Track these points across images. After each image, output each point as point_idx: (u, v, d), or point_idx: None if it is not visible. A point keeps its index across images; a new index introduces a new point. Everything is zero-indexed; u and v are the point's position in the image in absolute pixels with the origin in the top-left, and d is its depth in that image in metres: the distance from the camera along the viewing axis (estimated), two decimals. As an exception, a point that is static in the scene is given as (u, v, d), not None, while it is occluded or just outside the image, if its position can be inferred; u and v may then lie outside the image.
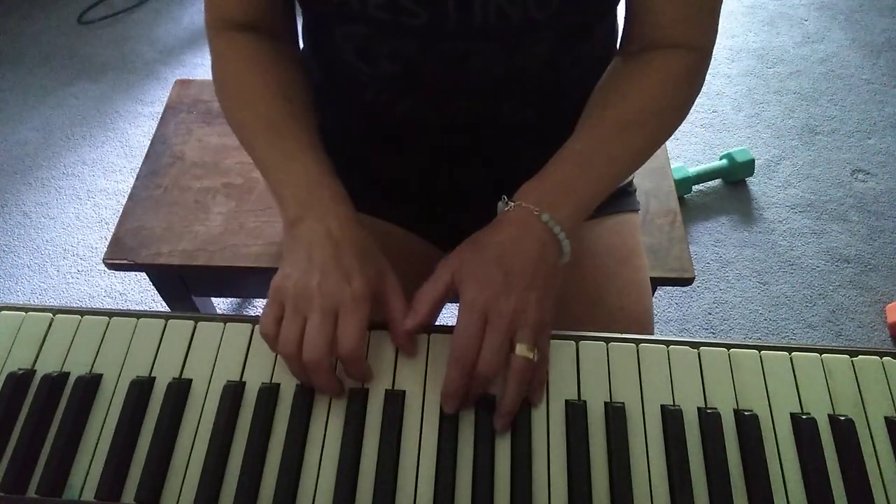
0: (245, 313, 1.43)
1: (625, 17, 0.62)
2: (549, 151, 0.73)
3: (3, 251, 1.53)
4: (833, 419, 0.51)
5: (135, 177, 1.02)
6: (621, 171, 0.58)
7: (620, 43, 0.63)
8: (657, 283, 0.94)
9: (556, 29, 0.56)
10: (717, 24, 0.59)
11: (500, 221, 0.54)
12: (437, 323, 0.54)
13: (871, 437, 0.50)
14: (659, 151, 0.94)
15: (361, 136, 0.71)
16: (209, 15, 0.62)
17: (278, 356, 0.53)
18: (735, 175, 1.66)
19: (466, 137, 0.66)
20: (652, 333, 0.71)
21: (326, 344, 0.48)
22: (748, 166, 1.65)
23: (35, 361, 0.54)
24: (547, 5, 0.53)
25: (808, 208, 1.64)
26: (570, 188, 0.54)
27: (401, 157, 0.71)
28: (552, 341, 0.54)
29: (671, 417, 0.50)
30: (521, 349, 0.48)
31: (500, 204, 0.55)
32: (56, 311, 0.56)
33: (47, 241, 1.55)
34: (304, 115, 0.59)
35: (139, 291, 1.47)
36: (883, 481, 0.48)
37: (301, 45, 0.69)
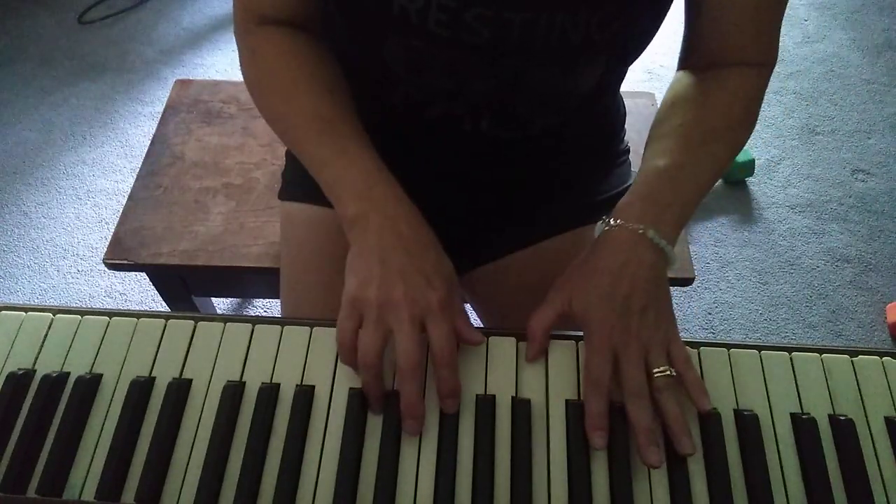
0: (245, 313, 1.43)
1: (688, 35, 0.62)
2: (561, 161, 0.72)
3: (3, 251, 1.53)
4: (833, 419, 0.51)
5: (135, 177, 1.02)
6: (706, 184, 0.58)
7: (683, 58, 0.64)
8: (657, 283, 0.94)
9: (612, 50, 0.56)
10: (779, 42, 0.60)
11: (605, 243, 0.53)
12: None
13: (871, 437, 0.50)
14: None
15: (373, 136, 0.70)
16: (241, 11, 0.60)
17: (279, 354, 0.53)
18: (735, 175, 1.66)
19: (487, 145, 0.66)
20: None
21: (422, 352, 0.48)
22: (748, 166, 1.65)
23: (35, 361, 0.54)
24: (607, 27, 0.52)
25: (808, 208, 1.64)
26: (665, 203, 0.54)
27: (413, 159, 0.70)
28: (553, 342, 0.54)
29: (671, 417, 0.50)
30: (658, 370, 0.49)
31: (599, 224, 0.55)
32: (56, 311, 0.56)
33: (47, 241, 1.55)
34: (350, 108, 0.58)
35: (139, 291, 1.47)
36: (883, 481, 0.48)
37: None
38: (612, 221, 0.54)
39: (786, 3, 0.58)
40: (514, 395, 0.51)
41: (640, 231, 0.52)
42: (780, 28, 0.59)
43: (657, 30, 0.58)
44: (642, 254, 0.52)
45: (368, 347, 0.48)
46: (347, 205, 0.53)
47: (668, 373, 0.49)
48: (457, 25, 0.52)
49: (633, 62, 0.61)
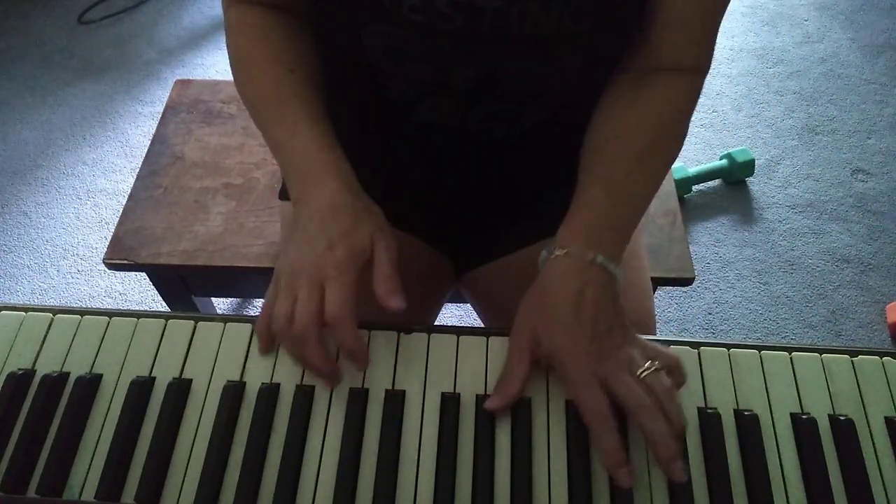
0: (245, 313, 1.43)
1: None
2: (556, 159, 0.72)
3: (3, 251, 1.53)
4: (833, 419, 0.51)
5: (135, 177, 1.02)
6: (648, 197, 0.59)
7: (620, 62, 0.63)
8: (657, 283, 0.94)
9: (590, 42, 0.55)
10: (714, 48, 0.60)
11: (555, 274, 0.53)
12: (436, 323, 0.54)
13: (871, 437, 0.50)
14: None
15: (371, 137, 0.70)
16: None
17: (278, 355, 0.53)
18: (735, 175, 1.66)
19: (481, 143, 0.66)
20: (653, 334, 0.71)
21: (312, 314, 0.48)
22: (748, 166, 1.65)
23: (35, 361, 0.54)
24: (580, 19, 0.52)
25: (808, 208, 1.64)
26: (608, 224, 0.54)
27: (410, 160, 0.70)
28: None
29: (671, 417, 0.50)
30: (641, 370, 0.48)
31: (543, 253, 0.55)
32: (56, 311, 0.56)
33: (47, 241, 1.55)
34: (308, 86, 0.58)
35: (139, 291, 1.47)
36: (883, 481, 0.48)
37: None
38: (556, 251, 0.53)
39: (724, 10, 0.57)
40: (514, 395, 0.51)
41: (588, 258, 0.52)
42: (716, 34, 0.58)
43: (635, 28, 0.57)
44: (594, 278, 0.52)
45: (276, 314, 0.49)
46: (292, 190, 0.55)
47: (654, 368, 0.48)
48: (430, 11, 0.52)
49: (615, 59, 0.61)
